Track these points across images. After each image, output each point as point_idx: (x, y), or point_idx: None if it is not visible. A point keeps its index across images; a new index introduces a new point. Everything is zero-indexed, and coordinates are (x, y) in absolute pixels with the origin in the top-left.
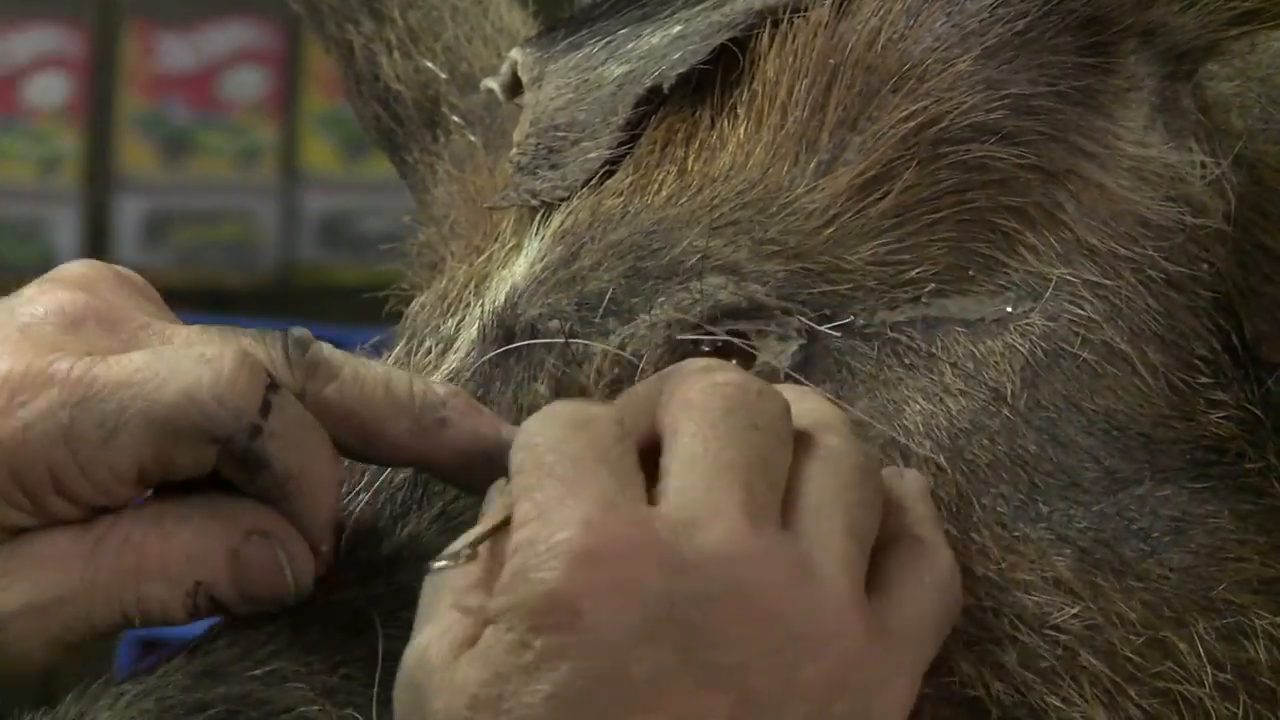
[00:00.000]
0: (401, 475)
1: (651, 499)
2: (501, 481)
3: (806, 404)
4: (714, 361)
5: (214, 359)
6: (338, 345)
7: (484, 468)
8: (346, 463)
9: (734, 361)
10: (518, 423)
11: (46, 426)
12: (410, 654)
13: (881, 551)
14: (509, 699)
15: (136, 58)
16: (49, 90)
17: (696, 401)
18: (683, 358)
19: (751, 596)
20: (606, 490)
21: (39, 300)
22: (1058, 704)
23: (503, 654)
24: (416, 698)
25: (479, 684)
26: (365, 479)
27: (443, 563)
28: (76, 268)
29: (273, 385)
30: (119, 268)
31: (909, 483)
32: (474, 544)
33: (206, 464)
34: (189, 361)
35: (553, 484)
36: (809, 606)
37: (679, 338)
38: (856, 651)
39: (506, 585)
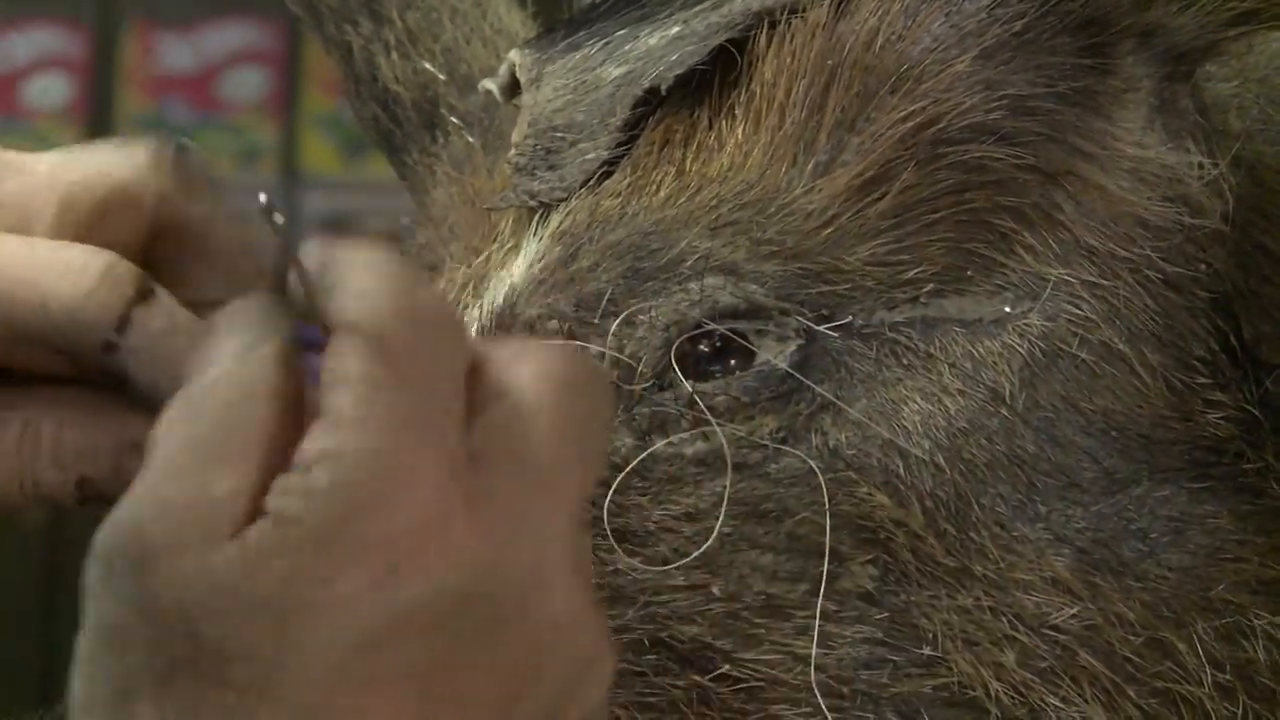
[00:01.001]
0: None
1: None
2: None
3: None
4: None
5: (78, 270)
6: None
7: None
8: None
9: (732, 362)
10: None
11: None
12: None
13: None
14: None
15: (136, 58)
16: (49, 91)
17: None
18: (681, 358)
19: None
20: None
21: None
22: (1057, 704)
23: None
24: None
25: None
26: None
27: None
28: None
29: (141, 294)
30: None
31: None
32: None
33: (59, 368)
34: (52, 272)
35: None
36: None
37: (677, 338)
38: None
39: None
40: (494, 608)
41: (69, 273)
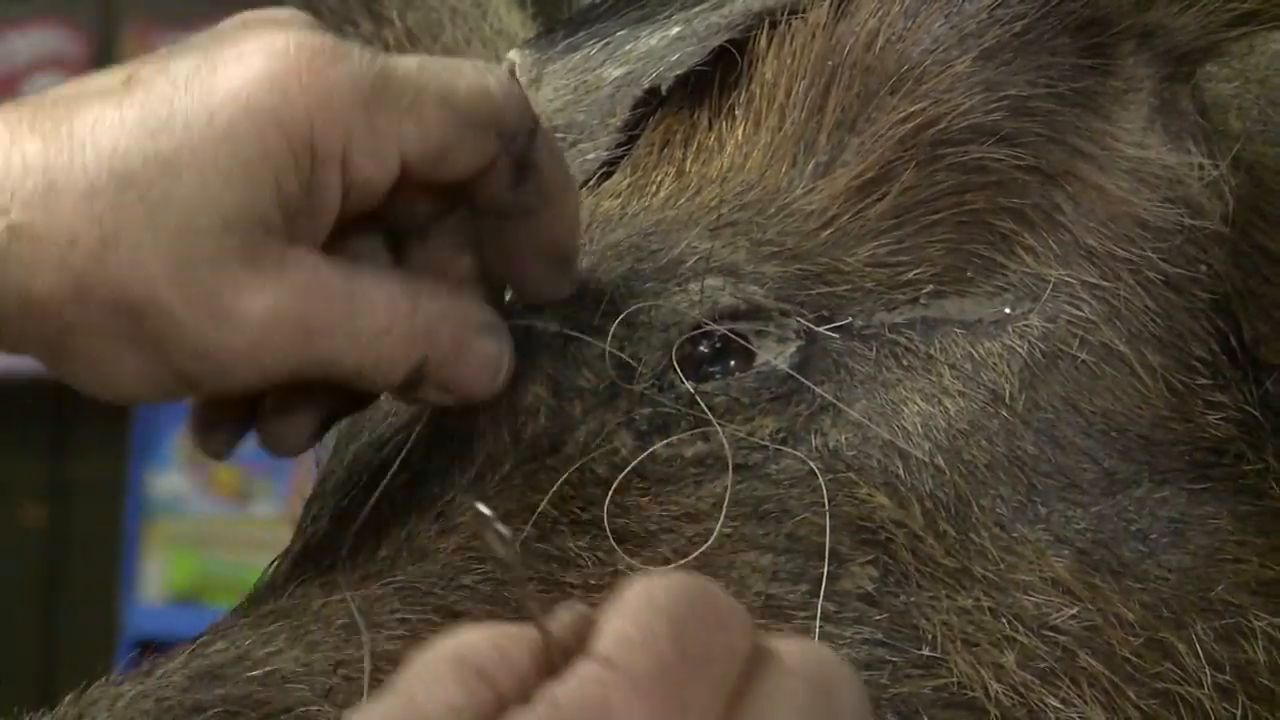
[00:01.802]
0: (400, 477)
1: None
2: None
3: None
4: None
5: (492, 70)
6: None
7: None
8: (344, 469)
9: (732, 363)
10: (516, 426)
11: (353, 86)
12: None
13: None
14: None
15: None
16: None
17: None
18: (681, 359)
19: None
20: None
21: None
22: (1056, 705)
23: None
24: None
25: None
26: (364, 481)
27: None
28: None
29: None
30: None
31: None
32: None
33: (481, 163)
34: (469, 68)
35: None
36: None
37: (677, 339)
38: None
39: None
40: None
41: (485, 70)
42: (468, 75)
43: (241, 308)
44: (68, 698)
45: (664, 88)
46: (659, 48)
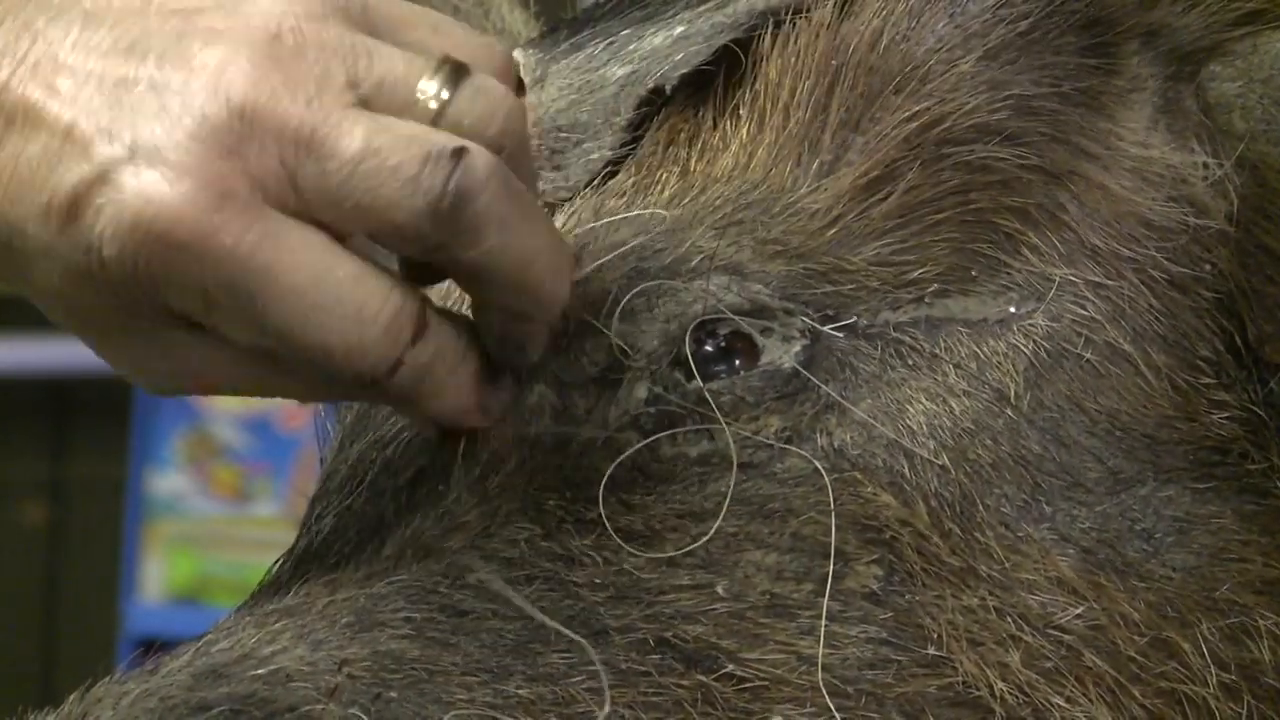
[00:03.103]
0: (404, 476)
1: None
2: None
3: None
4: None
5: (369, 319)
6: None
7: None
8: (348, 467)
9: (737, 362)
10: (520, 425)
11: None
12: None
13: None
14: None
15: None
16: None
17: None
18: (686, 357)
19: None
20: None
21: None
22: (1061, 704)
23: None
24: None
25: None
26: (368, 479)
27: None
28: None
29: (416, 333)
30: None
31: None
32: None
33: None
34: (345, 316)
35: None
36: None
37: (682, 337)
38: None
39: None
40: None
41: (360, 319)
42: (328, 327)
43: None
44: (72, 696)
45: (668, 87)
46: (663, 47)
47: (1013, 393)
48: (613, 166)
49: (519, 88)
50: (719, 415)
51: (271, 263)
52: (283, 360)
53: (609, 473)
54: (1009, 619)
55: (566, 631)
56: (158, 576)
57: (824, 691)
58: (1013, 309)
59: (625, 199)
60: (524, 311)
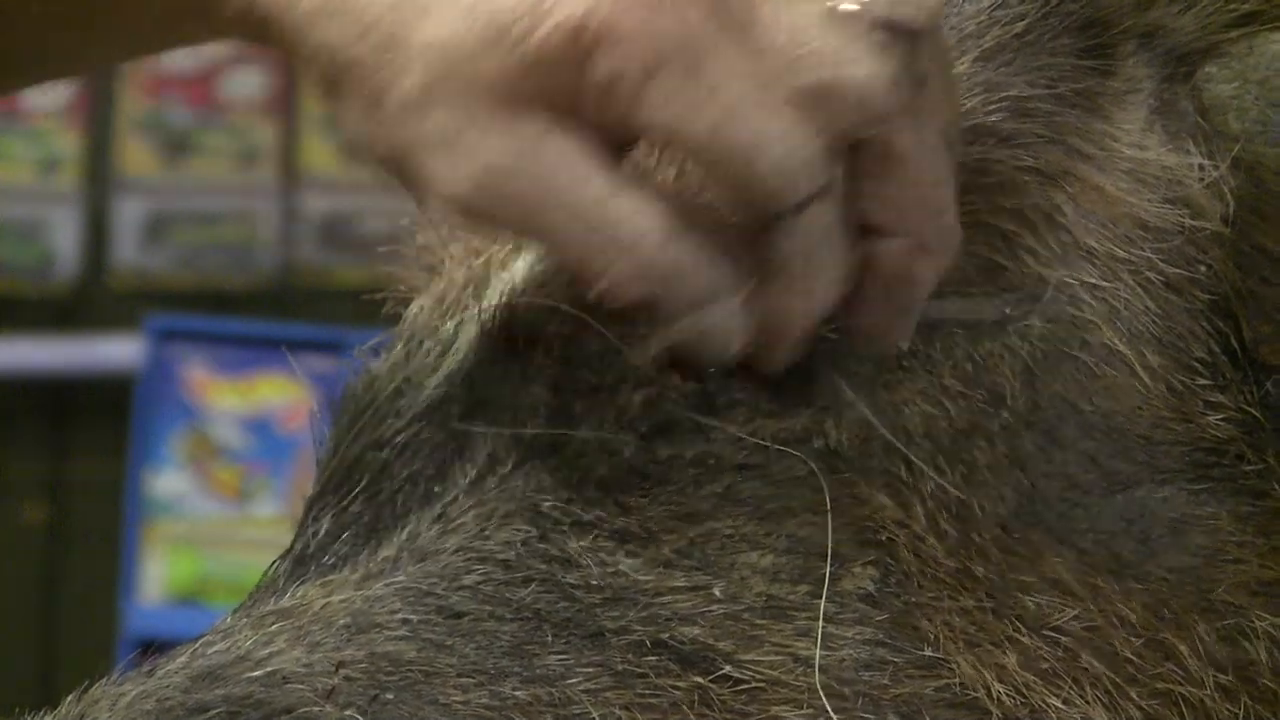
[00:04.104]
0: (403, 476)
1: None
2: None
3: None
4: None
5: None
6: (337, 346)
7: None
8: (345, 469)
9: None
10: (517, 426)
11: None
12: None
13: None
14: None
15: None
16: (49, 91)
17: None
18: (683, 357)
19: None
20: None
21: None
22: (1058, 705)
23: None
24: None
25: None
26: (364, 481)
27: None
28: None
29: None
30: None
31: None
32: None
33: None
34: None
35: None
36: None
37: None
38: None
39: None
40: None
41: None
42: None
43: None
44: (69, 698)
45: None
46: None
47: (1009, 394)
48: None
49: None
50: (715, 417)
51: None
52: None
53: (605, 474)
54: (1006, 620)
55: None
56: (157, 577)
57: (821, 693)
58: (1008, 310)
59: None
60: (927, 242)
